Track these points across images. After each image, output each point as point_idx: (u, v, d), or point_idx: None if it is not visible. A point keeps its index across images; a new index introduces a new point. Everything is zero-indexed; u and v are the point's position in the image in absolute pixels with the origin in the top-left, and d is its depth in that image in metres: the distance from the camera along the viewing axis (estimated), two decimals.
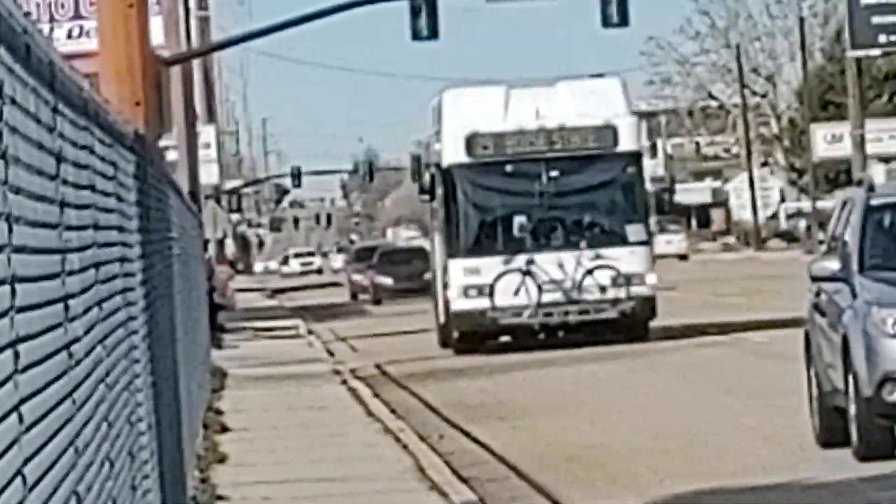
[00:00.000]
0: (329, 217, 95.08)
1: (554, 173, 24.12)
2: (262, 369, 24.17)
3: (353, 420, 16.87)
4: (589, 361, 22.68)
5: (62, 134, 3.12)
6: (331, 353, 27.92)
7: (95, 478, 3.41)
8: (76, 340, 3.12)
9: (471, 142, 23.93)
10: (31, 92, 2.43)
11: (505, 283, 23.86)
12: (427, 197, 25.93)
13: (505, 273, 23.87)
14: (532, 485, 11.95)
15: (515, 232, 24.33)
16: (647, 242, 24.54)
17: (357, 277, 50.05)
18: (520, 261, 24.00)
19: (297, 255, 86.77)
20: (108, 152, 4.75)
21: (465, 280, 24.08)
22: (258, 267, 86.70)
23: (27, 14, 2.83)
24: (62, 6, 20.97)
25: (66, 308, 2.93)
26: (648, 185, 26.33)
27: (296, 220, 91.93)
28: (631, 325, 24.47)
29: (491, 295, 23.82)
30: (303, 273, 79.17)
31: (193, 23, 32.80)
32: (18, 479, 1.71)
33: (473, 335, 24.39)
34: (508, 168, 24.20)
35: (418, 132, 41.36)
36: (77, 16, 20.67)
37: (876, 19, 51.57)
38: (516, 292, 23.93)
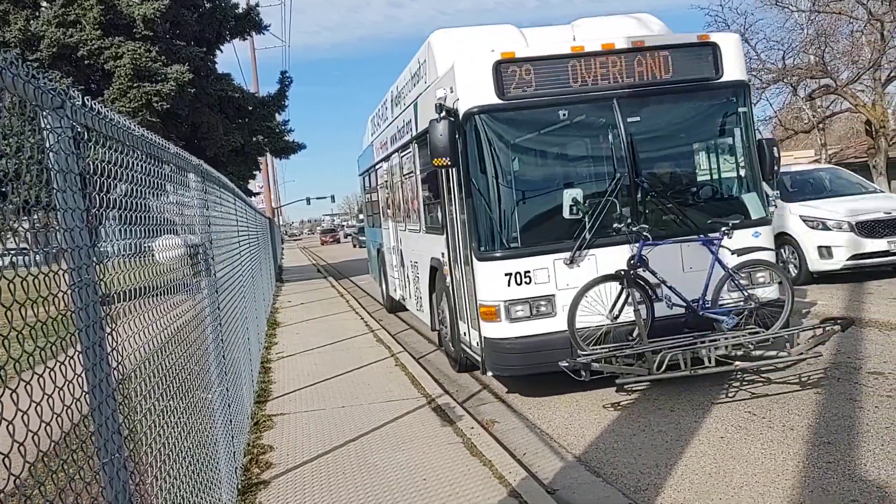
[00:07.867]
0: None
1: None
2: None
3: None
4: None
5: (256, 219, 18.51)
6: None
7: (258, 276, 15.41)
8: (247, 255, 11.97)
9: None
10: (245, 208, 14.14)
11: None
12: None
13: None
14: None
15: None
16: None
17: (322, 236, 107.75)
18: None
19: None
20: (263, 220, 23.40)
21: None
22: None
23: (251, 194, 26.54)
24: (258, 189, 47.03)
25: (242, 248, 10.97)
26: None
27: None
28: None
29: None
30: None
31: (273, 192, 71.17)
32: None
33: None
34: None
35: None
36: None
37: None
38: None
